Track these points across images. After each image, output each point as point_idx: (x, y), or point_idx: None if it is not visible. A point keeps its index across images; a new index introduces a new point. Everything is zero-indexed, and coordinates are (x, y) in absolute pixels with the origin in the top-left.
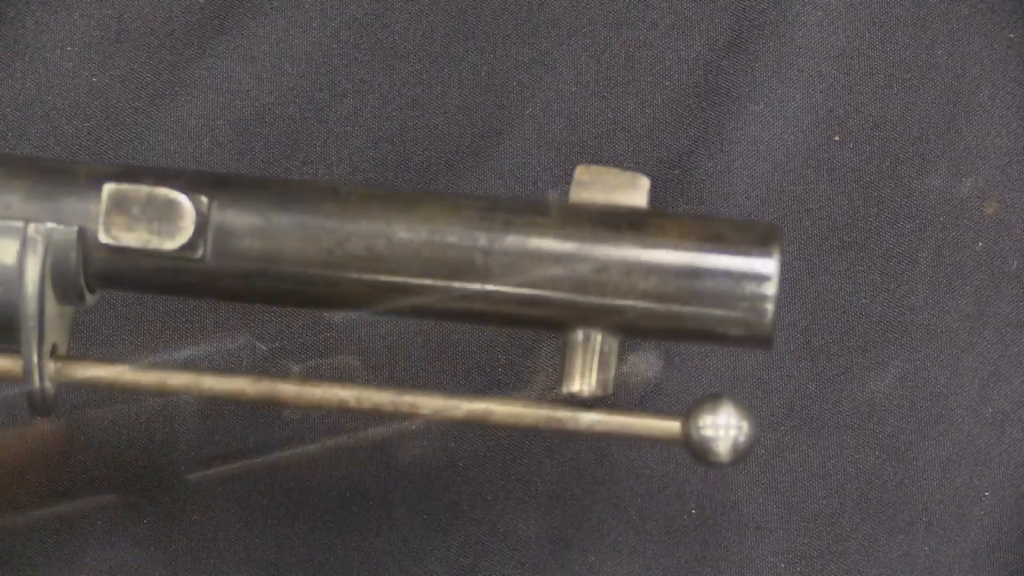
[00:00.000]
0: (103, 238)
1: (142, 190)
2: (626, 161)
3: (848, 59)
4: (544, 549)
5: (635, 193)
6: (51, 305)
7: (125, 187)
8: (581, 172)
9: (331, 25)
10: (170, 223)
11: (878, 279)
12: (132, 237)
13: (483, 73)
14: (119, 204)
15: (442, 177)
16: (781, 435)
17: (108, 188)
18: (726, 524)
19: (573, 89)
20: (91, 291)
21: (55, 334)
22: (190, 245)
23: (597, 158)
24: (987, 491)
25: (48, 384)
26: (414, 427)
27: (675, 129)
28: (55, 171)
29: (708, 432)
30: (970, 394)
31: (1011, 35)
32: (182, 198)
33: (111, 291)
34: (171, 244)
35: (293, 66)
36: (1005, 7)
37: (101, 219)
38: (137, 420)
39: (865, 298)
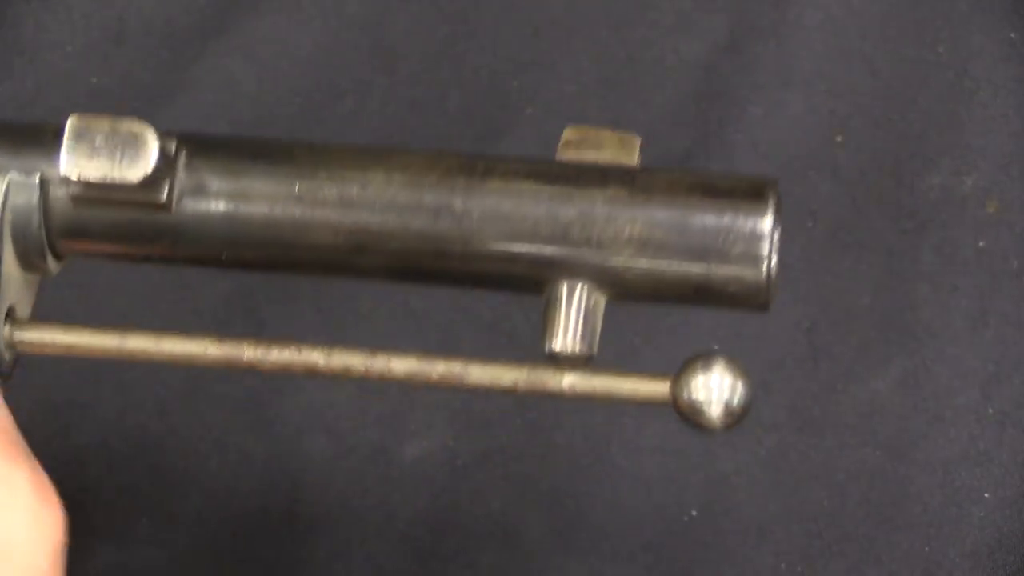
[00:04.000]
0: (64, 169)
1: (105, 121)
2: None
3: (849, 59)
4: (544, 550)
5: (625, 152)
6: (9, 262)
7: (88, 118)
8: (569, 132)
9: (331, 25)
10: (133, 153)
11: (880, 278)
12: (93, 167)
13: (483, 73)
14: (81, 135)
15: None
16: (783, 436)
17: (71, 119)
18: (727, 526)
19: (573, 89)
20: (54, 251)
21: (14, 296)
22: (153, 179)
23: None
24: (987, 491)
25: (3, 340)
26: (413, 426)
27: (675, 130)
28: (20, 126)
29: (699, 394)
30: (971, 394)
31: (1012, 34)
32: (146, 129)
33: (74, 254)
34: (134, 175)
35: (293, 66)
36: (1005, 6)
37: (63, 151)
38: (136, 419)
39: (867, 298)
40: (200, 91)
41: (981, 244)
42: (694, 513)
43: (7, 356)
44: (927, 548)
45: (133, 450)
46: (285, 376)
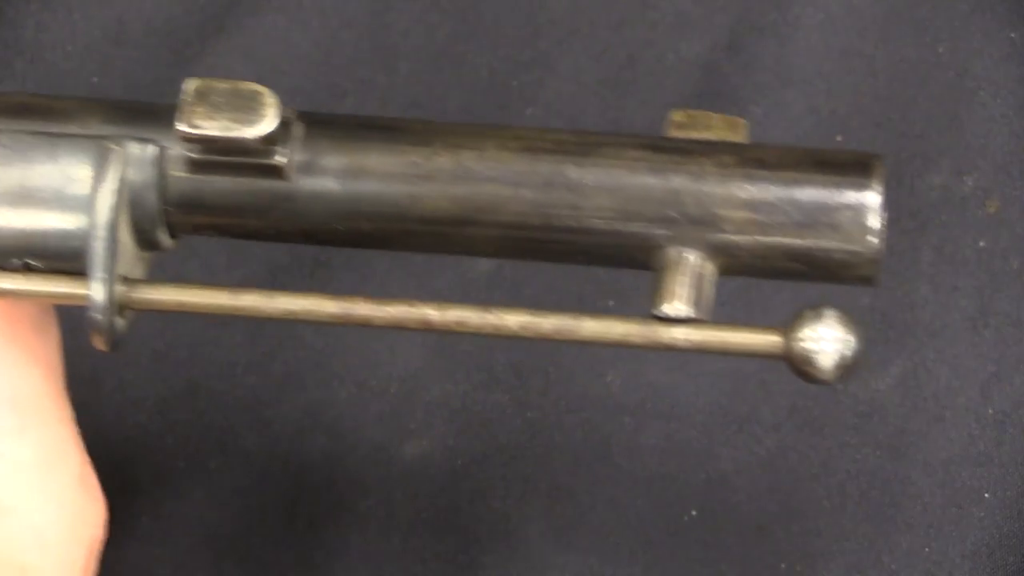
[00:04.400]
0: (181, 126)
1: (226, 82)
2: None
3: (849, 59)
4: (544, 550)
5: (733, 132)
6: (124, 232)
7: (209, 80)
8: (677, 114)
9: (331, 25)
10: (253, 112)
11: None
12: (213, 125)
13: (484, 73)
14: (202, 95)
15: None
16: (783, 436)
17: (191, 81)
18: (727, 525)
19: (573, 89)
20: (169, 225)
21: (127, 268)
22: (272, 140)
23: None
24: (987, 491)
25: (115, 309)
26: (414, 426)
27: None
28: (138, 103)
29: (811, 345)
30: (971, 394)
31: (1012, 34)
32: (267, 89)
33: (188, 228)
34: (253, 132)
35: (293, 66)
36: (1006, 6)
37: (181, 109)
38: (136, 419)
39: (867, 298)
40: None
41: (981, 244)
42: (694, 513)
43: (121, 323)
44: (927, 548)
45: (133, 450)
46: (398, 330)
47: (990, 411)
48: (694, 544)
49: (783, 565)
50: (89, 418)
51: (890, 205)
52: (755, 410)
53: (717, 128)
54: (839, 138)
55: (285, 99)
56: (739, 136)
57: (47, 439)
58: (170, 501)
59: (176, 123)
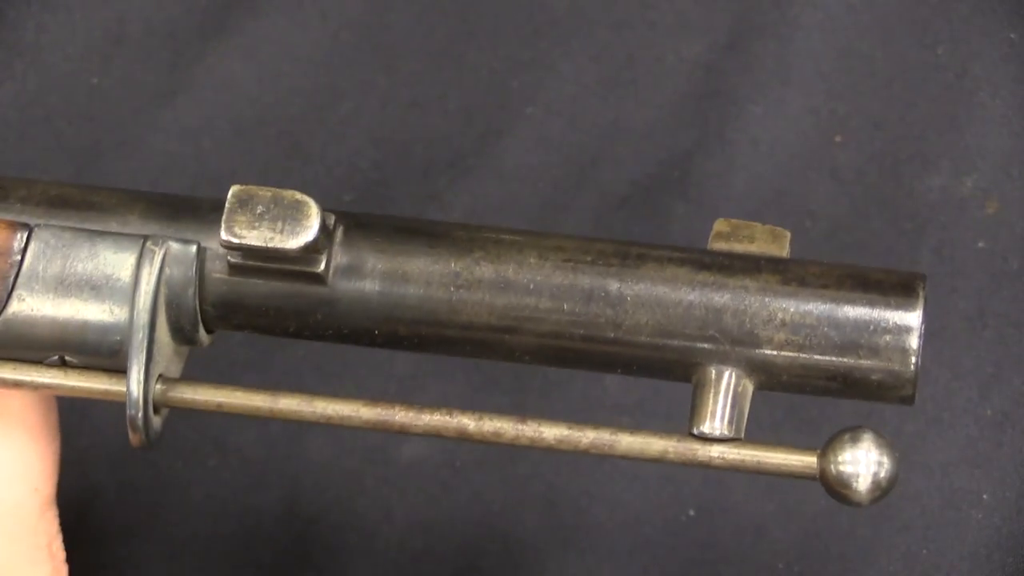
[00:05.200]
0: (225, 235)
1: (268, 190)
2: (626, 161)
3: (849, 60)
4: (543, 550)
5: (776, 244)
6: (162, 331)
7: (251, 187)
8: (720, 224)
9: (331, 25)
10: (294, 222)
11: None
12: (254, 235)
13: (483, 73)
14: (243, 203)
15: (442, 177)
16: (781, 436)
17: (233, 188)
18: (725, 525)
19: (573, 89)
20: (206, 322)
21: (163, 366)
22: (312, 249)
23: (597, 158)
24: (986, 493)
25: (151, 407)
26: None
27: (675, 130)
28: (178, 199)
29: (848, 468)
30: (970, 395)
31: (1012, 35)
32: (308, 199)
33: (226, 326)
34: (294, 243)
35: (293, 66)
36: (1006, 7)
37: (224, 217)
38: None
39: None
40: (200, 91)
41: (981, 244)
42: (692, 513)
43: (157, 420)
44: (925, 550)
45: (133, 450)
46: (433, 437)
47: (989, 412)
48: (692, 544)
49: (782, 565)
50: (88, 419)
51: (889, 206)
52: (754, 410)
53: (760, 239)
54: (839, 138)
55: (285, 99)
56: (781, 248)
57: (15, 553)
58: (170, 501)
59: (217, 237)
